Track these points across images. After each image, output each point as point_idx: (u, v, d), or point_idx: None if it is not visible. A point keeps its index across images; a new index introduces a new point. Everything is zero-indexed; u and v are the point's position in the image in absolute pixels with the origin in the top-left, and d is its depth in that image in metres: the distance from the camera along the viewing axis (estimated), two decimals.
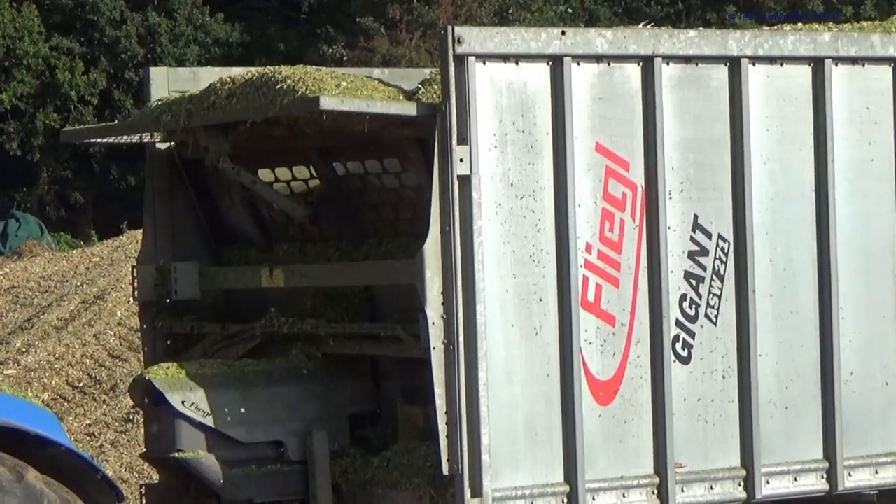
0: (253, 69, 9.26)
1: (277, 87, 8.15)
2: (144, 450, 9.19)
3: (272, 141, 9.12)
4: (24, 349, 18.30)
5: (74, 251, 26.84)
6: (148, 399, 8.40)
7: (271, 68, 8.68)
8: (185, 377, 8.45)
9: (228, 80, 8.77)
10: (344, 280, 8.70)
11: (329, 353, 8.74)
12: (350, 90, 7.86)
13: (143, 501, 9.07)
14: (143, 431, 10.53)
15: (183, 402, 8.03)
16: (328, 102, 7.51)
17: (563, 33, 7.90)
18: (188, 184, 10.01)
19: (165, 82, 9.61)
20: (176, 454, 8.11)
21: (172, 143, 9.74)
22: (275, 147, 9.21)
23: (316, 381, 8.67)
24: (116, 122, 10.77)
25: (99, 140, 10.86)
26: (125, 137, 10.34)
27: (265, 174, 9.25)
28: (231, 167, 8.91)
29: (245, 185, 9.36)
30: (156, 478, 10.34)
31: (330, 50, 38.06)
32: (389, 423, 8.71)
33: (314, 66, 8.76)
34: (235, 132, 8.69)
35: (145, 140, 9.79)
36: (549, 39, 7.80)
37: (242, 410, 8.26)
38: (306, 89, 7.76)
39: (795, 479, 8.09)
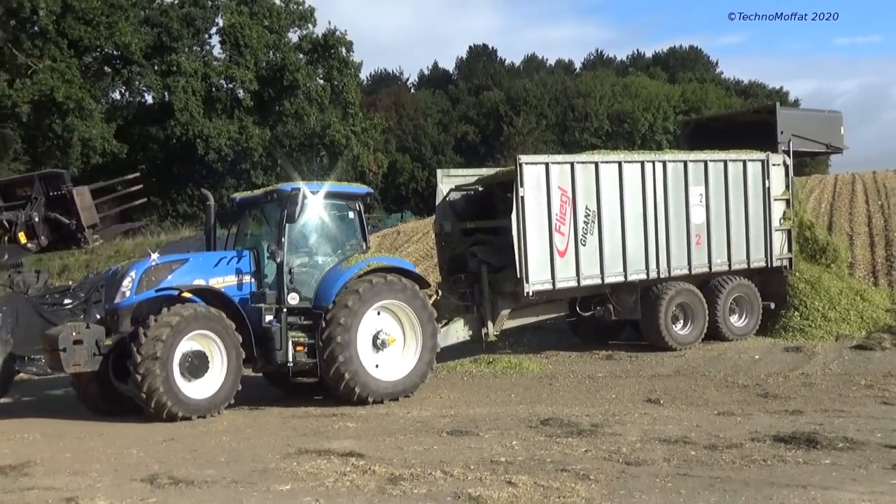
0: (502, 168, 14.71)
1: (495, 172, 14.51)
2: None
3: (496, 186, 14.33)
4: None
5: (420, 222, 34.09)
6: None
7: (501, 169, 14.60)
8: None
9: (494, 172, 14.76)
10: None
11: None
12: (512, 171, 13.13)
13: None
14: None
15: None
16: (526, 165, 13.16)
17: (548, 157, 14.00)
18: (481, 199, 14.73)
19: (443, 176, 14.85)
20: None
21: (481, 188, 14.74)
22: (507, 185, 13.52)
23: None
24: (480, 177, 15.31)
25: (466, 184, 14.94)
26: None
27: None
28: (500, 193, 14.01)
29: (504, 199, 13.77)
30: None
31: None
32: None
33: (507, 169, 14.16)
34: (498, 183, 14.13)
35: (479, 188, 14.73)
36: (543, 158, 13.88)
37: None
38: (510, 170, 13.42)
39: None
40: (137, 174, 16.49)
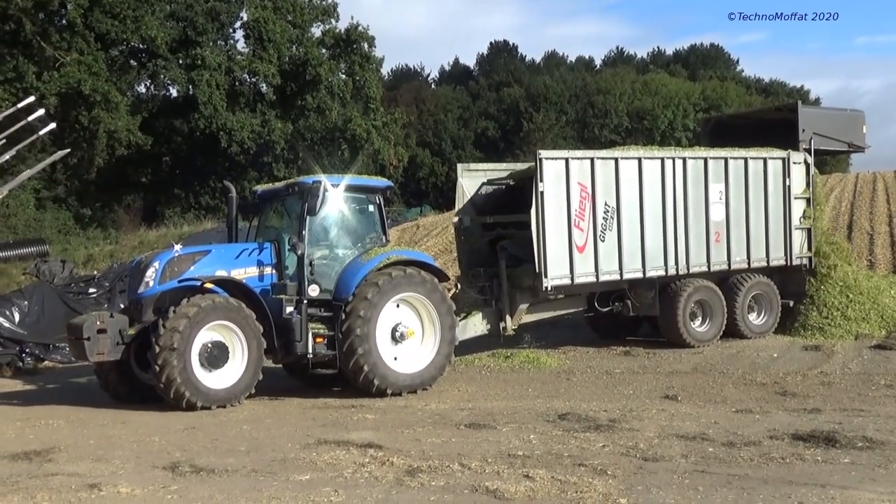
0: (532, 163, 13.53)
1: (526, 168, 14.15)
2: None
3: (527, 181, 13.67)
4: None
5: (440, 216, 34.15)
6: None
7: (532, 164, 13.49)
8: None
9: (527, 167, 14.12)
10: None
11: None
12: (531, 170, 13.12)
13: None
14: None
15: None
16: (546, 160, 12.92)
17: (568, 153, 13.92)
18: (501, 194, 14.58)
19: (463, 171, 14.57)
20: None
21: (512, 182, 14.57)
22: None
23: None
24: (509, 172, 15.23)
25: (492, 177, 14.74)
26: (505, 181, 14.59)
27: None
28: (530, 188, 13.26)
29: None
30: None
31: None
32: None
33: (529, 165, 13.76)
34: (529, 178, 13.36)
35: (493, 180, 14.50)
36: (563, 153, 13.78)
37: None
38: (532, 167, 13.24)
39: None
40: (31, 98, 15.26)
